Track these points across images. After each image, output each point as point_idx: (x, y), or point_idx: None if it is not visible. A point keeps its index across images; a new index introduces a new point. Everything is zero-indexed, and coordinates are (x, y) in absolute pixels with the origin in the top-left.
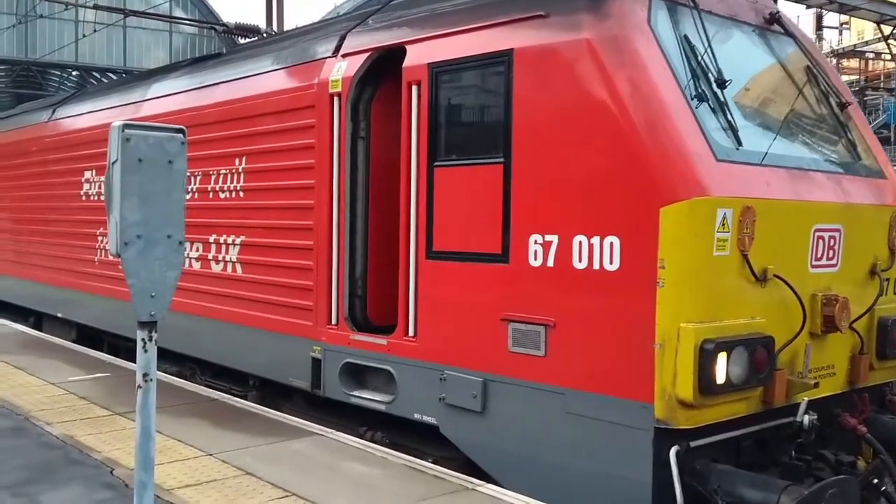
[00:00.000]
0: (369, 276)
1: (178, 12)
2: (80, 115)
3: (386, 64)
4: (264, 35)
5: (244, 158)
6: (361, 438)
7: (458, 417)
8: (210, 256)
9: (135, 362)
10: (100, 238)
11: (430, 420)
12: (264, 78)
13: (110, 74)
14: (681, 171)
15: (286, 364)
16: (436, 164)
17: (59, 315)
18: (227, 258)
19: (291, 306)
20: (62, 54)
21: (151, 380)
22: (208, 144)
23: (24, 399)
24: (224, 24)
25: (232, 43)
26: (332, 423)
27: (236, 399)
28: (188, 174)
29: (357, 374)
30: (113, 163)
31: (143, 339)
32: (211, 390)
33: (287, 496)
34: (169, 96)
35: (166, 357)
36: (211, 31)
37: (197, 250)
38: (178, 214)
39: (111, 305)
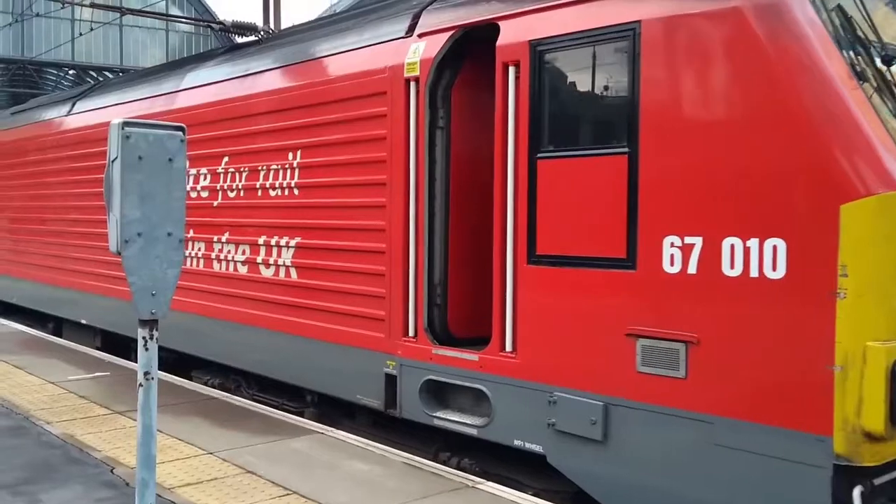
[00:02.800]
0: (450, 283)
1: (174, 11)
2: (106, 108)
3: (467, 44)
4: (262, 33)
5: (299, 152)
6: (445, 465)
7: (571, 446)
8: (259, 260)
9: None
10: None
11: (535, 448)
12: (323, 63)
13: (107, 73)
14: (865, 161)
15: (353, 380)
16: (539, 155)
17: (84, 321)
18: (280, 262)
19: (359, 315)
20: (58, 53)
21: (153, 378)
22: (255, 138)
23: (23, 398)
24: (221, 23)
25: (228, 41)
26: (405, 447)
27: (236, 397)
28: (233, 171)
29: (438, 393)
30: (113, 160)
31: (143, 338)
32: (211, 389)
33: (287, 494)
34: (207, 86)
35: (209, 368)
36: (207, 29)
37: (243, 253)
38: (178, 212)
39: None
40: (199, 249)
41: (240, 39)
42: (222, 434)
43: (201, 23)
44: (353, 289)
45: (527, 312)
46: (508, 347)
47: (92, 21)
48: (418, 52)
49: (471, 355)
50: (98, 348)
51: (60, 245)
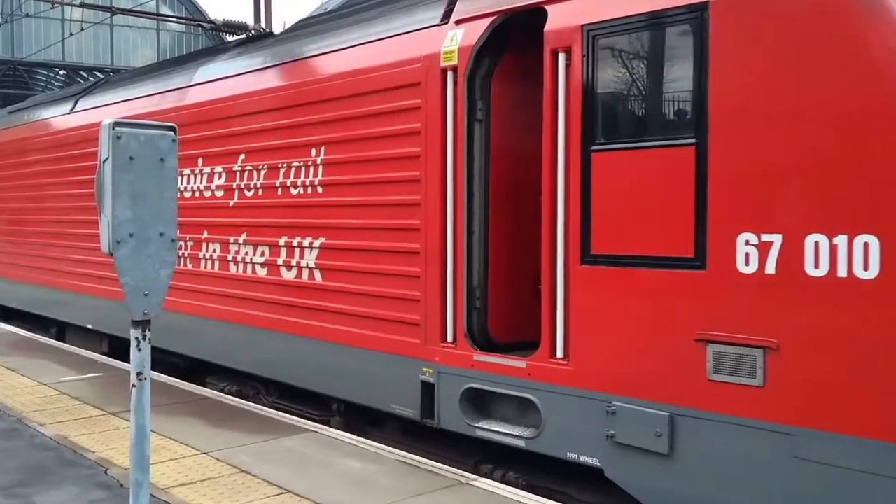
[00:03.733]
0: (490, 286)
1: (164, 10)
2: (110, 106)
3: (507, 31)
4: (252, 32)
5: (323, 148)
6: (487, 478)
7: (632, 459)
8: (280, 261)
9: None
10: None
11: (591, 461)
12: (349, 54)
13: (97, 73)
14: None
15: (385, 388)
16: (594, 148)
17: (90, 326)
18: (303, 263)
19: (391, 320)
20: (49, 53)
21: (146, 379)
22: (274, 134)
23: (16, 400)
24: (212, 22)
25: (219, 40)
26: (440, 458)
27: (229, 397)
28: (250, 169)
29: (478, 402)
30: (104, 161)
31: (136, 338)
32: (204, 389)
33: (282, 493)
34: (221, 80)
35: (225, 374)
36: (199, 28)
37: (262, 255)
38: (170, 212)
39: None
40: (214, 251)
41: (231, 38)
42: (216, 434)
43: (192, 22)
44: (384, 292)
45: (580, 316)
46: (559, 354)
47: (82, 21)
48: (456, 40)
49: (517, 362)
50: (105, 353)
51: (63, 247)
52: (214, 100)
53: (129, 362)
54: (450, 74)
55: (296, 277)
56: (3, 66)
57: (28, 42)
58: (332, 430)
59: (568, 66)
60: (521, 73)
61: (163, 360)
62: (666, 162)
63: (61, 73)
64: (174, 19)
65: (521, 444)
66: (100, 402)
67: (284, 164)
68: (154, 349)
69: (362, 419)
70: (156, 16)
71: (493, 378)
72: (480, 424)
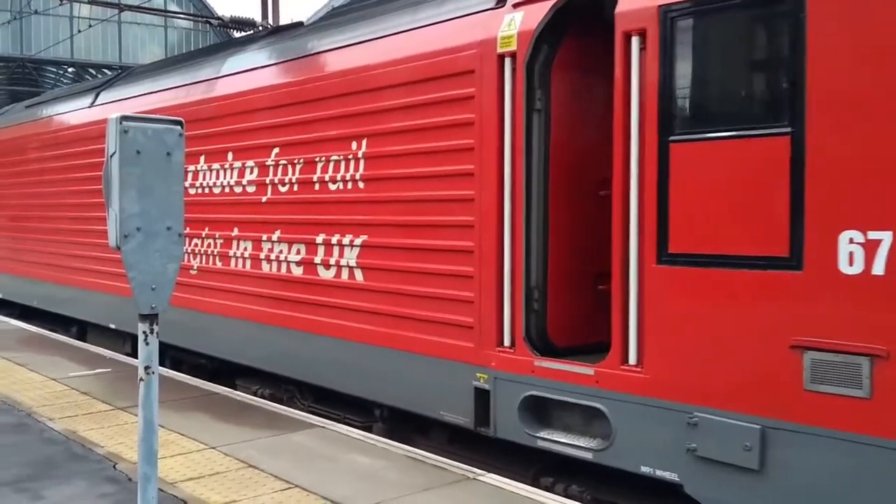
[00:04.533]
0: (549, 286)
1: (172, 7)
2: (135, 98)
3: (567, 14)
4: (259, 28)
5: (365, 141)
6: (549, 491)
7: (717, 475)
8: (317, 260)
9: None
10: None
11: (669, 476)
12: (393, 41)
13: (105, 70)
14: None
15: (434, 394)
16: (672, 139)
17: (112, 326)
18: (343, 262)
19: (440, 322)
20: (57, 51)
21: (153, 373)
22: (311, 126)
23: (25, 395)
24: (219, 18)
25: (227, 37)
26: (494, 468)
27: (237, 392)
28: (285, 163)
29: (538, 410)
30: (111, 155)
31: (144, 332)
32: (211, 384)
33: (290, 488)
34: (252, 71)
35: (256, 376)
36: (206, 25)
37: (297, 253)
38: (177, 206)
39: (188, 319)
40: (245, 249)
41: (238, 35)
42: (224, 428)
43: (200, 19)
44: (432, 292)
45: (657, 320)
46: (632, 360)
47: (90, 18)
48: (515, 24)
49: (584, 368)
50: (128, 354)
51: (83, 244)
52: (245, 91)
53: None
54: (507, 61)
55: (335, 277)
56: (12, 64)
57: (37, 39)
58: (340, 425)
59: (642, 50)
60: (582, 60)
61: (189, 362)
62: (756, 153)
63: (70, 70)
64: (182, 16)
65: (588, 456)
66: (108, 396)
67: (322, 158)
68: (180, 350)
69: (407, 426)
70: (163, 12)
71: (556, 385)
72: (542, 434)
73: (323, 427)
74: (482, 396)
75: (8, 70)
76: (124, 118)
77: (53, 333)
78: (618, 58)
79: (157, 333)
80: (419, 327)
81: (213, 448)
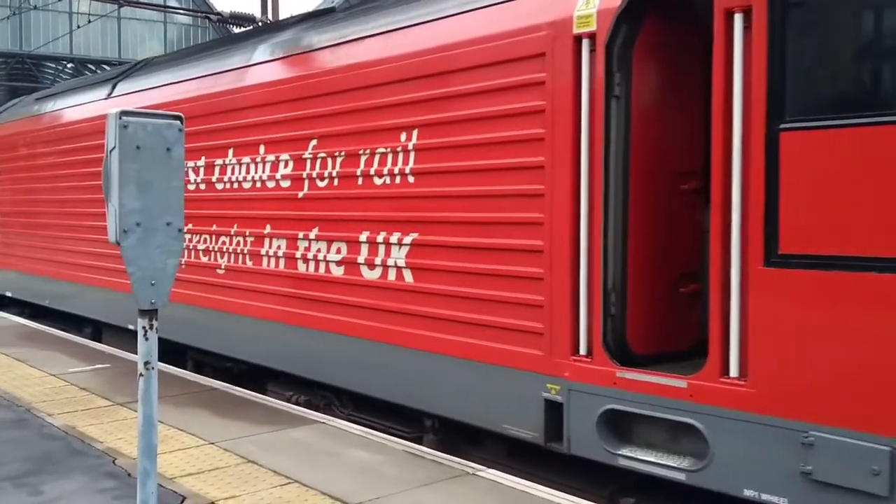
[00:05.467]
0: (629, 289)
1: (172, 2)
2: (156, 89)
3: None
4: (259, 24)
5: (416, 132)
6: None
7: (837, 500)
8: (361, 260)
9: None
10: (191, 238)
11: (777, 501)
12: (449, 24)
13: (105, 66)
14: None
15: (495, 405)
16: (783, 127)
17: (131, 327)
18: (390, 262)
19: (503, 328)
20: (56, 46)
21: (153, 368)
22: (353, 117)
23: (25, 391)
24: (219, 14)
25: (227, 33)
26: (563, 486)
27: (236, 388)
28: (323, 156)
29: (616, 425)
30: (111, 150)
31: (143, 328)
32: (211, 379)
33: (289, 483)
34: (284, 59)
35: (289, 381)
36: (206, 20)
37: (338, 252)
38: (176, 201)
39: (214, 320)
40: (279, 248)
41: (238, 31)
42: (223, 424)
43: (199, 14)
44: (494, 295)
45: (763, 328)
46: (733, 372)
47: (90, 14)
48: (593, 2)
49: (676, 381)
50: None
51: (102, 242)
52: (278, 80)
53: (172, 363)
54: (585, 43)
55: (380, 278)
56: (11, 59)
57: (36, 35)
58: (339, 420)
59: (746, 28)
60: (665, 41)
61: (213, 365)
62: (886, 142)
63: (69, 65)
64: (181, 11)
65: (680, 477)
66: (108, 392)
67: (366, 151)
68: (206, 353)
69: (461, 438)
70: (163, 8)
71: (641, 398)
72: (624, 452)
73: (323, 423)
74: (553, 409)
75: (7, 66)
76: (124, 113)
77: (53, 329)
78: (717, 38)
79: (156, 329)
80: (478, 333)
81: (213, 443)
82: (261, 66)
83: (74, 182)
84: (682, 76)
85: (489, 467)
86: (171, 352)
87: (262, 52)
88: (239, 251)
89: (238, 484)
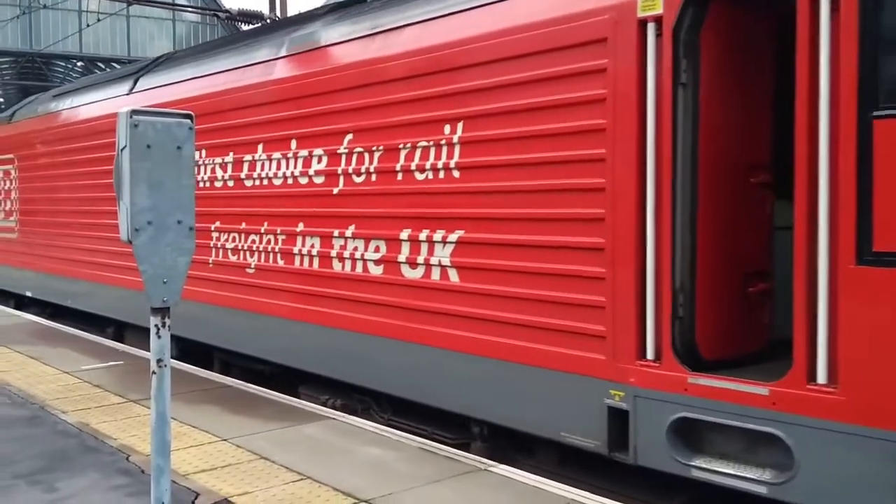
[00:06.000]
0: (698, 289)
1: (180, 0)
2: (179, 84)
3: None
4: (266, 21)
5: (461, 125)
6: None
7: None
8: (402, 258)
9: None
10: (219, 236)
11: None
12: (497, 9)
13: (115, 64)
14: None
15: (552, 412)
16: (877, 114)
17: None
18: (433, 261)
19: (560, 330)
20: (66, 45)
21: (166, 366)
22: (392, 109)
23: (38, 388)
24: (227, 11)
25: (235, 30)
26: (633, 499)
27: (248, 385)
28: (360, 151)
29: (686, 433)
30: (121, 149)
31: (156, 326)
32: (223, 376)
33: (301, 479)
34: (317, 50)
35: (323, 384)
36: (214, 17)
37: (376, 250)
38: (187, 200)
39: (243, 321)
40: (313, 246)
41: (246, 27)
42: (236, 421)
43: (207, 12)
44: (548, 296)
45: (855, 331)
46: (821, 378)
47: (99, 12)
48: None
49: (756, 387)
50: (175, 357)
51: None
52: (311, 73)
53: (198, 365)
54: (650, 27)
55: (423, 277)
56: (21, 58)
57: (46, 34)
58: (351, 417)
59: (834, 9)
60: (735, 25)
61: (241, 366)
62: None
63: (79, 64)
64: (189, 9)
65: (762, 490)
66: (121, 389)
67: (407, 145)
68: (235, 355)
69: (509, 443)
70: (171, 6)
71: (716, 406)
72: (697, 463)
73: (334, 419)
74: (617, 417)
75: (17, 65)
76: (134, 112)
77: (65, 326)
78: (801, 19)
79: (168, 327)
80: (531, 335)
81: (226, 440)
82: (291, 59)
83: (96, 179)
84: (750, 62)
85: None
86: (188, 352)
87: (292, 44)
88: (270, 250)
89: (251, 480)
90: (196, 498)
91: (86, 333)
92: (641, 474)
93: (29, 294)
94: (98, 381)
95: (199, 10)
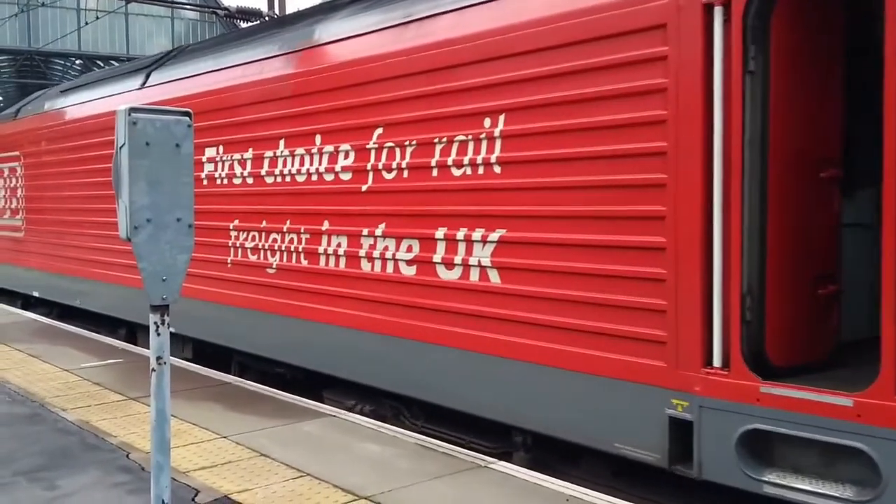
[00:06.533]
0: (767, 292)
1: None
2: (196, 77)
3: None
4: (265, 19)
5: (503, 118)
6: None
7: None
8: (437, 258)
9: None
10: (237, 235)
11: None
12: None
13: (113, 62)
14: None
15: (606, 422)
16: None
17: (172, 330)
18: (472, 261)
19: (614, 335)
20: (65, 43)
21: (165, 363)
22: (427, 102)
23: (39, 386)
24: (226, 9)
25: (234, 28)
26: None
27: (247, 382)
28: (391, 146)
29: (755, 446)
30: (120, 147)
31: (155, 323)
32: (223, 374)
33: (301, 476)
34: (345, 41)
35: (349, 389)
36: (213, 15)
37: (409, 250)
38: (186, 197)
39: (264, 323)
40: (339, 246)
41: (245, 25)
42: (235, 418)
43: (206, 10)
44: (601, 298)
45: None
46: None
47: (97, 10)
48: None
49: (839, 398)
50: (188, 359)
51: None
52: (338, 64)
53: (227, 372)
54: (717, 12)
55: (460, 278)
56: (20, 56)
57: (45, 31)
58: (350, 414)
59: None
60: (806, 10)
61: (260, 370)
62: None
63: (77, 62)
64: (188, 7)
65: None
66: (120, 387)
67: (443, 139)
68: (254, 358)
69: (553, 454)
70: (170, 3)
71: (791, 417)
72: (770, 478)
73: (333, 416)
74: (679, 428)
75: (16, 63)
76: (133, 110)
77: (65, 325)
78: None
79: (168, 324)
80: (581, 340)
81: (225, 437)
82: (315, 51)
83: (105, 176)
84: (821, 49)
85: (592, 489)
86: (206, 356)
87: (316, 34)
88: (293, 249)
89: (251, 477)
90: (196, 495)
91: (85, 331)
92: (704, 489)
93: (36, 294)
94: (98, 378)
95: (198, 8)
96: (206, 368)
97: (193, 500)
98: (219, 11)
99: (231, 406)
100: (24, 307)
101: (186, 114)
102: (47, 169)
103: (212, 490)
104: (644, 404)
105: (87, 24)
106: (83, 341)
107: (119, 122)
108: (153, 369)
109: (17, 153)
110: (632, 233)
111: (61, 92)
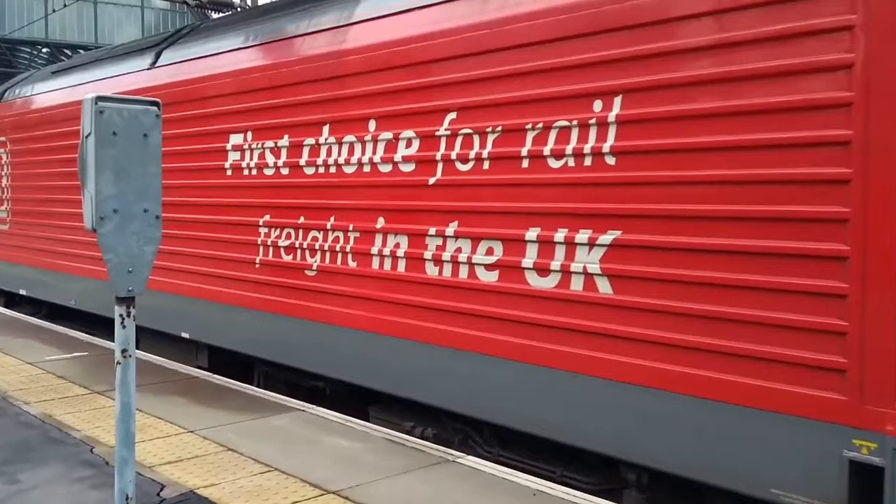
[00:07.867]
0: None
1: None
2: (216, 56)
3: None
4: (237, 10)
5: (618, 100)
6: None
7: None
8: (528, 264)
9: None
10: (269, 232)
11: None
12: None
13: (81, 51)
14: None
15: (759, 463)
16: None
17: (185, 335)
18: (575, 267)
19: (774, 360)
20: (31, 31)
21: (130, 356)
22: (514, 82)
23: (1, 379)
24: None
25: (205, 18)
26: None
27: (216, 376)
28: (467, 133)
29: None
30: (86, 136)
31: (121, 315)
32: (191, 368)
33: (269, 471)
34: (406, 13)
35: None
36: (183, 5)
37: (489, 253)
38: (154, 188)
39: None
40: (398, 246)
41: (216, 16)
42: (203, 412)
43: (177, 0)
44: (758, 316)
45: None
46: None
47: None
48: None
49: None
50: (204, 368)
51: None
52: (397, 41)
53: (230, 377)
54: None
55: (557, 287)
56: None
57: (10, 19)
58: (319, 408)
59: None
60: None
61: (299, 384)
62: None
63: (44, 50)
64: None
65: None
66: (85, 380)
67: (537, 126)
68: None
69: (676, 494)
70: None
71: None
72: None
73: (303, 410)
74: (863, 473)
75: None
76: (100, 98)
77: (31, 318)
78: None
79: (133, 316)
80: (726, 364)
81: (193, 432)
82: (367, 25)
83: None
84: None
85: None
86: (223, 364)
87: (365, 7)
88: (338, 249)
89: (218, 472)
90: (161, 489)
91: (50, 324)
92: None
93: (23, 292)
94: (62, 372)
95: None
96: (172, 362)
97: (159, 494)
98: (190, 1)
99: (199, 400)
100: (8, 306)
101: (154, 103)
102: (38, 156)
103: (178, 485)
104: (814, 444)
105: (54, 11)
106: (48, 334)
107: (85, 110)
108: (118, 362)
109: (3, 139)
110: (802, 237)
111: (53, 73)
